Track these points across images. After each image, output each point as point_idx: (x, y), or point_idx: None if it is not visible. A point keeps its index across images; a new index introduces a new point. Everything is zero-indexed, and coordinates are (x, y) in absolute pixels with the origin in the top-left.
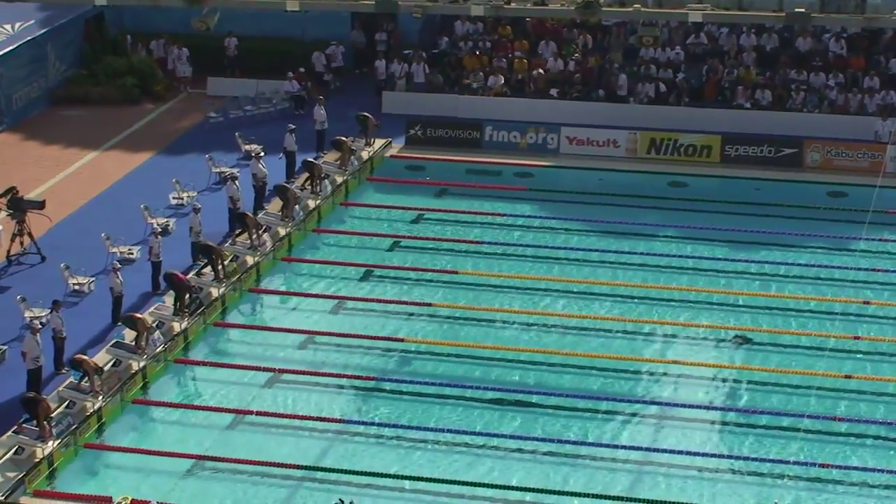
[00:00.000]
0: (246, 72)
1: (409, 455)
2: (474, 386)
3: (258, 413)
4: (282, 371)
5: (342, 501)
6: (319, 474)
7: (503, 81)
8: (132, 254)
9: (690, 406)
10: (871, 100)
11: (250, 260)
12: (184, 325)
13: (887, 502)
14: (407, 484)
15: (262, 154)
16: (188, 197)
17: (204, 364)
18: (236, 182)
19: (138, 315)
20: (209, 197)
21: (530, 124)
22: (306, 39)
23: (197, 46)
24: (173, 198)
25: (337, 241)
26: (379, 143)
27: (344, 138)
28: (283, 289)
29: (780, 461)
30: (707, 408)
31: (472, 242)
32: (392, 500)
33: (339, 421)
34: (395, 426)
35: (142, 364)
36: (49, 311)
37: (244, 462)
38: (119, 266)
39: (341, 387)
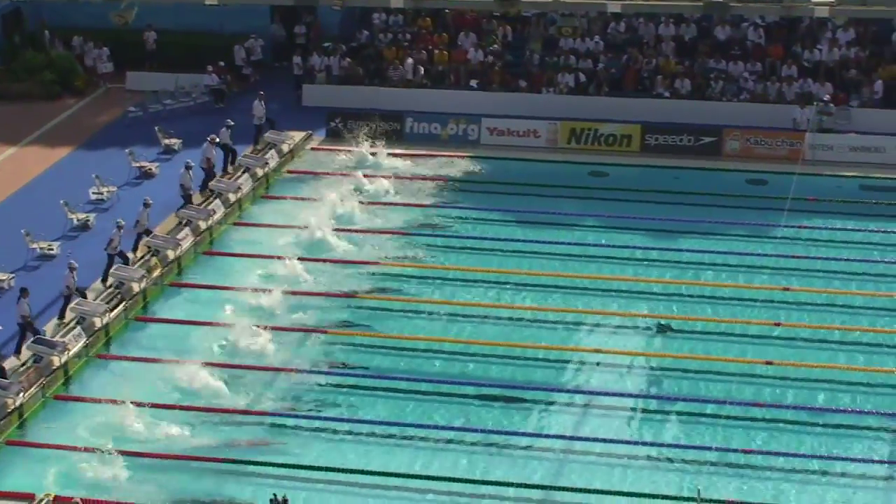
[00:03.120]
0: (165, 66)
1: (337, 446)
2: (400, 377)
3: (182, 407)
4: (205, 364)
5: (276, 497)
6: (250, 467)
7: (423, 73)
8: (52, 249)
9: (613, 394)
10: (789, 88)
11: (171, 254)
12: (105, 319)
13: (809, 487)
14: (320, 475)
15: (217, 140)
16: (108, 192)
17: (126, 359)
18: (190, 171)
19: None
20: (128, 192)
21: (451, 116)
22: (226, 33)
23: (115, 41)
24: (93, 193)
25: (259, 235)
26: (298, 136)
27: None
28: (204, 282)
29: (703, 448)
30: (629, 395)
31: (394, 233)
32: (314, 491)
33: (265, 413)
34: (321, 418)
35: (64, 359)
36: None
37: (168, 457)
38: (75, 265)
39: (264, 380)
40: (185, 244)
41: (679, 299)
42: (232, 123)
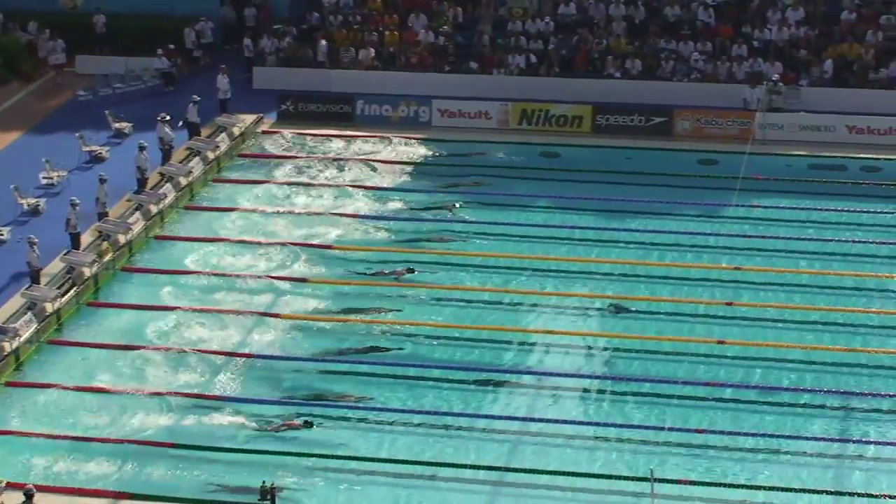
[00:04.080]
0: (115, 49)
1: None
2: (354, 360)
3: (133, 391)
4: (154, 349)
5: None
6: (195, 453)
7: (374, 55)
8: (2, 235)
9: (565, 375)
10: (739, 68)
11: (122, 238)
12: (56, 305)
13: (763, 466)
14: (269, 458)
15: (169, 118)
16: (58, 176)
17: (77, 345)
18: (144, 152)
19: None
20: (79, 176)
21: (402, 97)
22: (176, 15)
23: (65, 24)
24: (44, 177)
25: (210, 217)
26: (249, 118)
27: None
28: (156, 266)
29: (656, 428)
30: (583, 376)
31: (348, 216)
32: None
33: (214, 398)
34: (261, 402)
35: (15, 345)
36: None
37: (119, 441)
38: (35, 240)
39: (216, 364)
40: (137, 228)
41: (631, 279)
42: (198, 99)
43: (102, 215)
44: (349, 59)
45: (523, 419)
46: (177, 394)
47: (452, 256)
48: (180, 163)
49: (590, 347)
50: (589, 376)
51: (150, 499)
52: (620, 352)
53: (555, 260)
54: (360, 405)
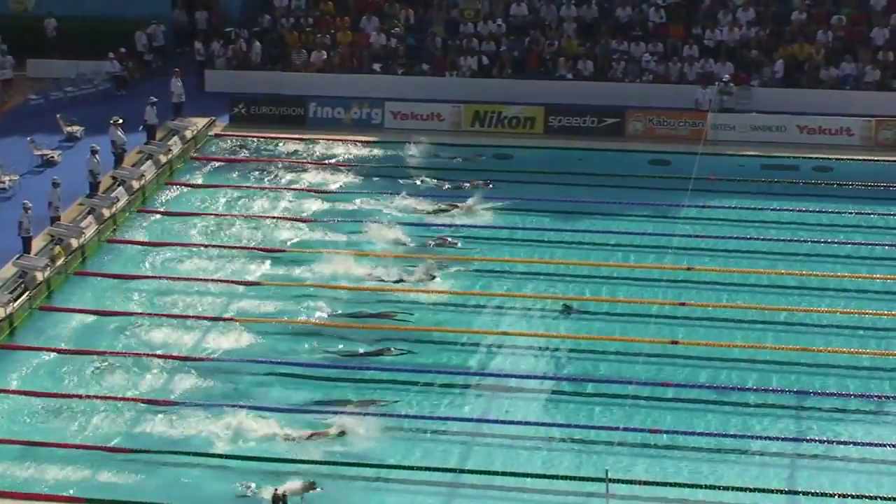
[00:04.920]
0: (66, 53)
1: (239, 433)
2: (304, 363)
3: (86, 396)
4: (109, 353)
5: (276, 491)
6: (145, 456)
7: (326, 57)
8: None
9: (518, 376)
10: (690, 68)
11: (75, 242)
12: (9, 309)
13: (716, 465)
14: (215, 461)
15: (121, 121)
16: (10, 180)
17: (29, 349)
18: (97, 155)
19: None
20: (30, 180)
21: (354, 100)
22: (127, 19)
23: (16, 28)
24: None
25: (163, 221)
26: (201, 122)
27: None
28: (109, 270)
29: (611, 428)
30: (536, 377)
31: (299, 220)
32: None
33: (168, 403)
34: (207, 405)
35: None
36: None
37: (68, 446)
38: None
39: (169, 368)
40: (89, 232)
41: (584, 280)
42: (155, 100)
43: (55, 219)
44: (301, 62)
45: (478, 420)
46: (130, 399)
47: (406, 259)
48: (133, 166)
49: (541, 348)
50: (542, 377)
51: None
52: (572, 352)
53: (506, 261)
54: (316, 409)
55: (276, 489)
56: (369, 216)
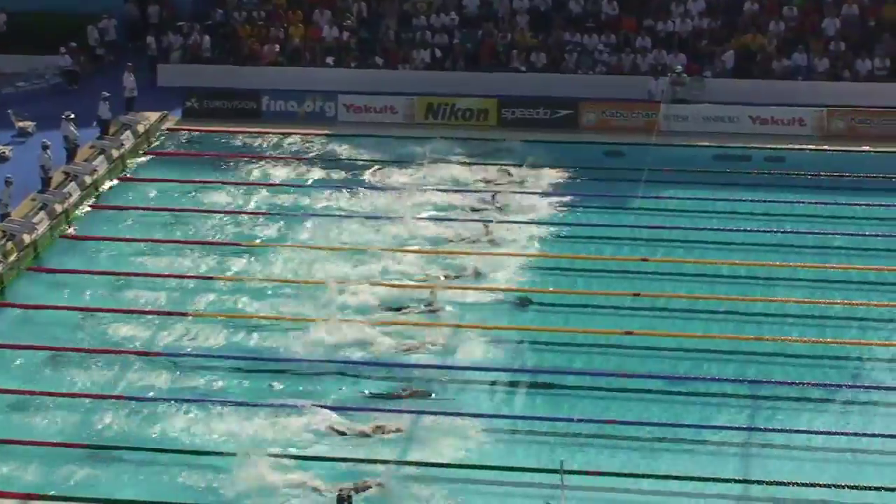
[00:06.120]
0: (17, 48)
1: (194, 425)
2: (253, 357)
3: (38, 393)
4: (62, 349)
5: (341, 492)
6: (101, 452)
7: (279, 50)
8: None
9: (474, 368)
10: (643, 60)
11: (27, 238)
12: None
13: (671, 455)
14: (185, 457)
15: (73, 116)
16: None
17: None
18: (48, 151)
19: None
20: None
21: (308, 93)
22: (79, 13)
23: None
24: None
25: (116, 216)
26: (153, 116)
27: None
28: (62, 266)
29: (566, 419)
30: (490, 369)
31: (254, 214)
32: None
33: (124, 398)
34: (178, 400)
35: None
36: None
37: (29, 443)
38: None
39: (125, 363)
40: (42, 228)
41: (538, 272)
42: (108, 95)
43: (5, 216)
44: (254, 55)
45: (435, 413)
46: (85, 395)
47: (363, 252)
48: (85, 161)
49: (497, 340)
50: (496, 369)
51: (61, 499)
52: (527, 344)
53: (463, 254)
54: (265, 402)
55: (340, 489)
56: (326, 210)
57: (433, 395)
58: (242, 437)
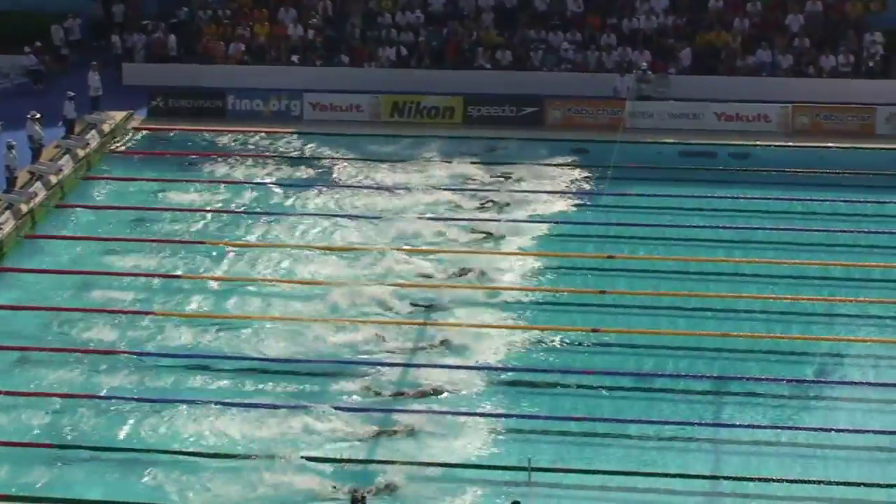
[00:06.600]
0: None
1: (170, 421)
2: (228, 356)
3: (5, 393)
4: (29, 349)
5: (355, 492)
6: (81, 452)
7: (244, 49)
8: None
9: (443, 367)
10: (608, 57)
11: None
12: None
13: (640, 452)
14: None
15: (39, 116)
16: None
17: None
18: (13, 151)
19: None
20: None
21: (273, 92)
22: (44, 12)
23: None
24: None
25: (82, 215)
26: (119, 115)
27: None
28: (27, 266)
29: (533, 416)
30: (461, 367)
31: (224, 212)
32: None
33: (90, 396)
34: (148, 401)
35: None
36: None
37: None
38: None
39: (92, 363)
40: (7, 228)
41: (505, 271)
42: (73, 94)
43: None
44: (219, 54)
45: (401, 411)
46: (53, 394)
47: (342, 252)
48: (50, 161)
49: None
50: (465, 367)
51: (27, 500)
52: (498, 341)
53: (431, 251)
54: (240, 401)
55: (354, 490)
56: (291, 209)
57: (441, 395)
58: (253, 439)
